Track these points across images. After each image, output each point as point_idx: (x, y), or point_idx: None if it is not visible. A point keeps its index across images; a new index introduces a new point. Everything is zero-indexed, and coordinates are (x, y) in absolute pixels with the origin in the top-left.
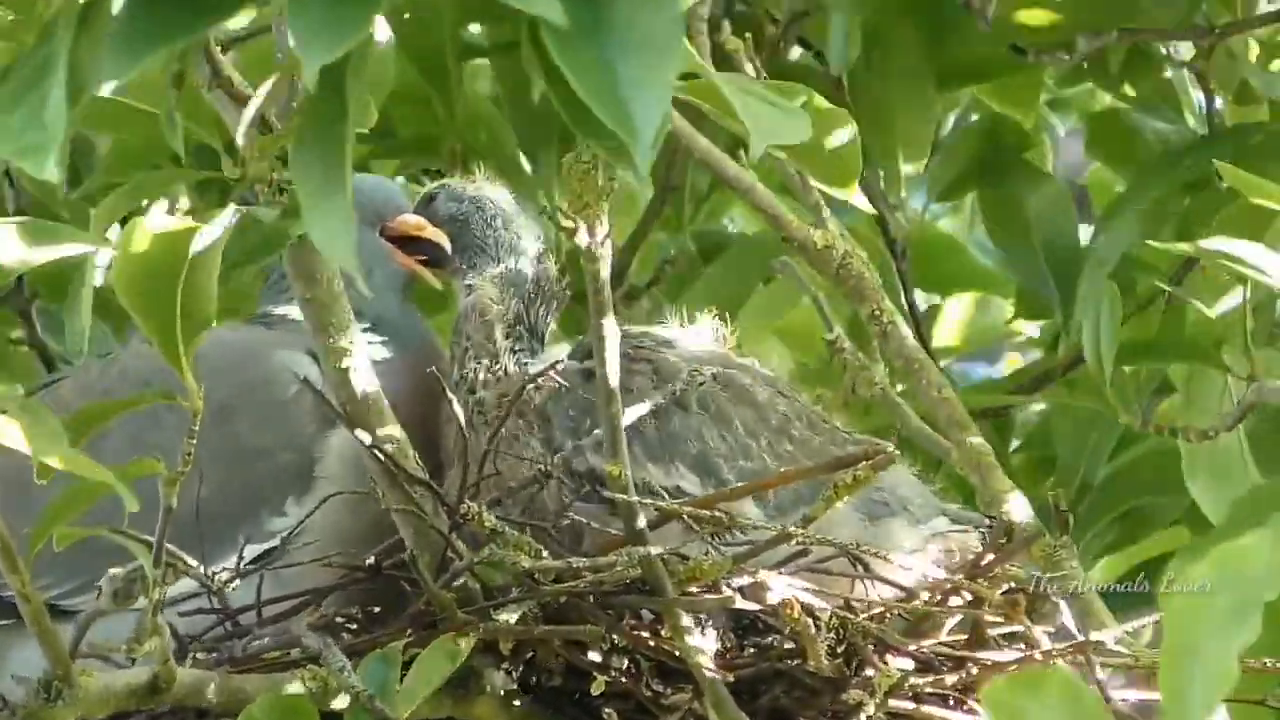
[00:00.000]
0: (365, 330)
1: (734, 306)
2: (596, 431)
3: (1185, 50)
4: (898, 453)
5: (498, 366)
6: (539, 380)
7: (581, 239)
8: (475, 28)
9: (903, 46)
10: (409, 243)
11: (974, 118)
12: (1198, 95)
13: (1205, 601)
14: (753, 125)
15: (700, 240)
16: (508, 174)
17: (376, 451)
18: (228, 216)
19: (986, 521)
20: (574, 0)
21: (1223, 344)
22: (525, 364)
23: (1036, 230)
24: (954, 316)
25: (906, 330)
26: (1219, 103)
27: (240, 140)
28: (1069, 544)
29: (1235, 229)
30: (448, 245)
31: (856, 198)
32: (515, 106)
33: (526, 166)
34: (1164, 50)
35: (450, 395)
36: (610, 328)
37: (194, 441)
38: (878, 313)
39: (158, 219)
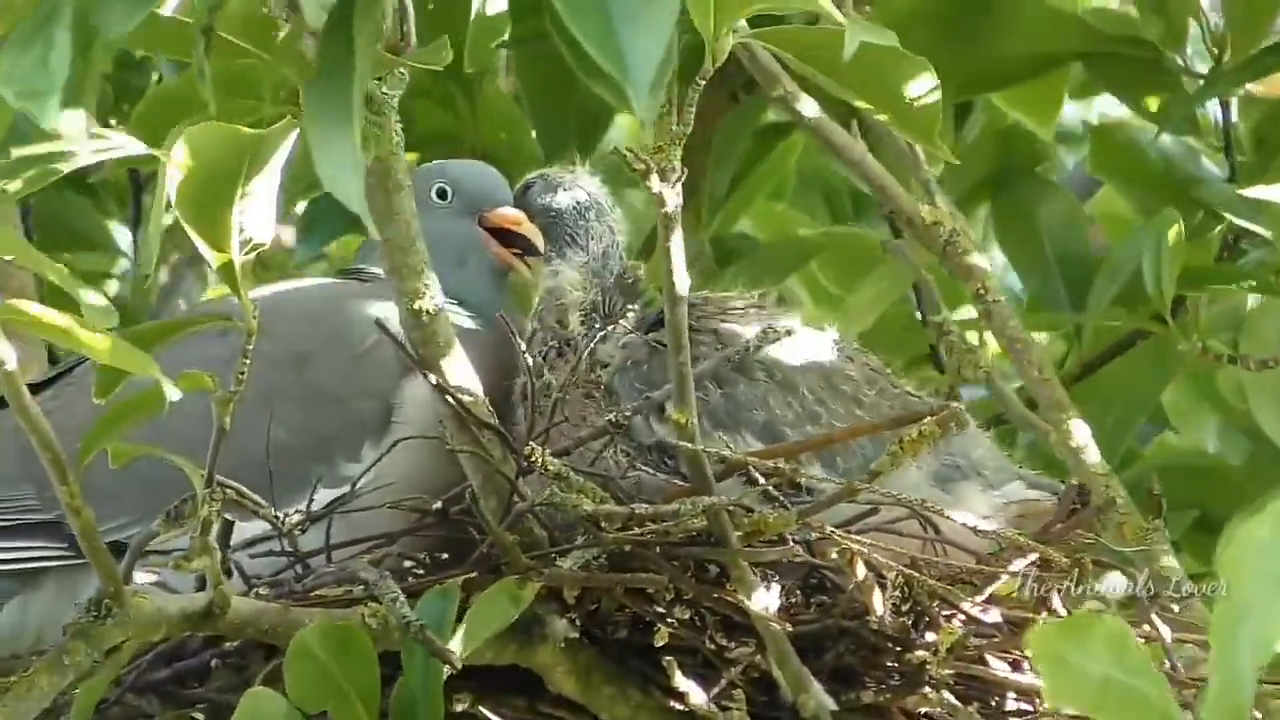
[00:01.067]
0: (454, 304)
1: None
2: (660, 392)
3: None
4: (966, 413)
5: (569, 349)
6: (604, 344)
7: (653, 183)
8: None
9: (919, 54)
10: (506, 234)
11: (978, 129)
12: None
13: (1258, 558)
14: (848, 25)
15: (717, 246)
16: (526, 170)
17: (446, 394)
18: (286, 130)
19: (1061, 488)
20: None
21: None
22: (590, 339)
23: (1048, 241)
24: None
25: (1010, 311)
26: (1234, 114)
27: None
28: (1161, 527)
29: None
30: (540, 242)
31: (942, 150)
32: (535, 104)
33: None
34: (1180, 61)
35: (522, 350)
36: (680, 273)
37: (247, 361)
38: (983, 291)
39: (218, 127)
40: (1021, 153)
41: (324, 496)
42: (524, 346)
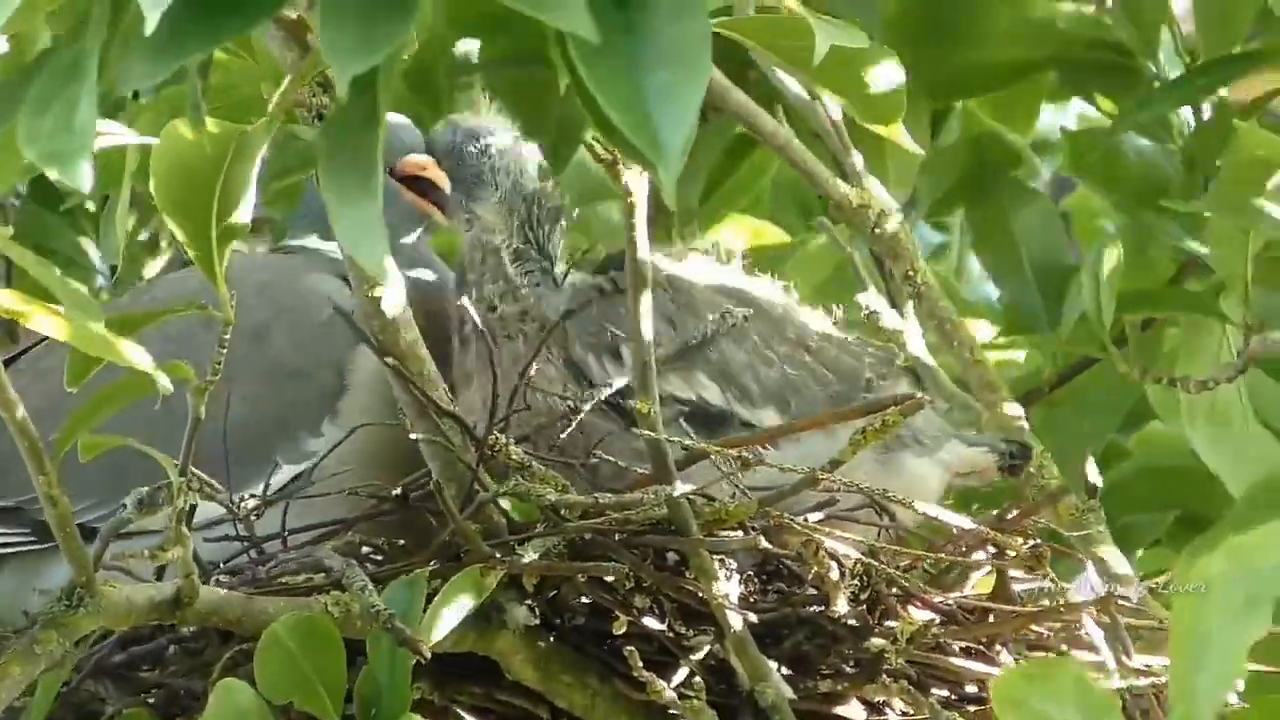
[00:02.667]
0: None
1: None
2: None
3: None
4: (927, 398)
5: (511, 288)
6: (551, 294)
7: (620, 171)
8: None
9: None
10: (419, 181)
11: (955, 135)
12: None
13: (1216, 592)
14: (816, 28)
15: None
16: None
17: (406, 382)
18: (268, 125)
19: (1002, 445)
20: (601, 12)
21: (1221, 294)
22: (539, 284)
23: (1024, 247)
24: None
25: (939, 292)
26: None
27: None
28: (1097, 507)
29: (1236, 186)
30: (446, 185)
31: (902, 135)
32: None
33: None
34: (1153, 68)
35: (473, 314)
36: (644, 265)
37: (225, 351)
38: (912, 273)
39: (197, 123)
40: (997, 158)
41: (285, 473)
42: (481, 327)
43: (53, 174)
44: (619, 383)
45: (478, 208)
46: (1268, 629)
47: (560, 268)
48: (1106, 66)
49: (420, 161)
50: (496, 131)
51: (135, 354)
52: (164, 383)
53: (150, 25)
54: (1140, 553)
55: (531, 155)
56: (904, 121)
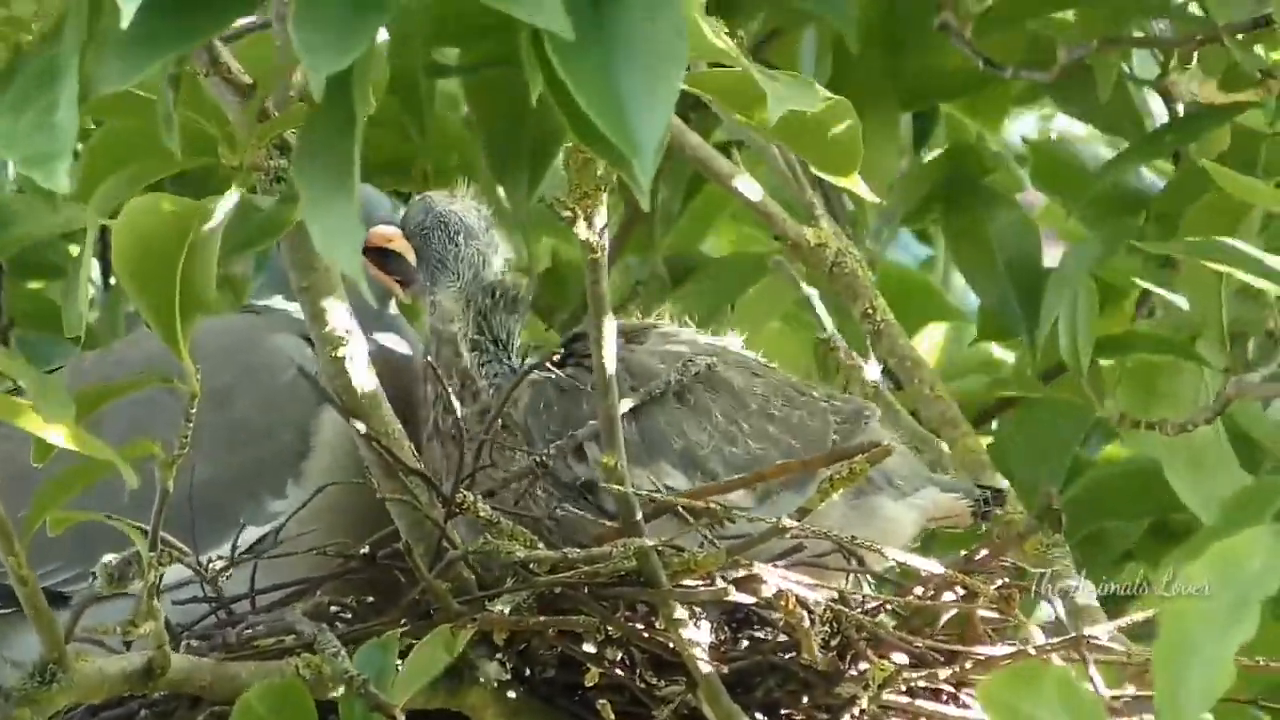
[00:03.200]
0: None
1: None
2: (578, 433)
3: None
4: (895, 445)
5: (469, 384)
6: (517, 386)
7: (580, 230)
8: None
9: (866, 69)
10: (386, 254)
11: (932, 151)
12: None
13: (1201, 599)
14: (770, 91)
15: (671, 264)
16: (477, 195)
17: (372, 441)
18: (230, 199)
19: (976, 490)
20: (577, 10)
21: (1198, 338)
22: (495, 375)
23: (1000, 252)
24: (923, 348)
25: (899, 329)
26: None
27: (238, 128)
28: (1061, 541)
29: (1205, 227)
30: (411, 258)
31: (860, 187)
32: (487, 128)
33: (499, 190)
34: (1125, 68)
35: (446, 389)
36: (608, 322)
37: (191, 425)
38: (871, 310)
39: (160, 199)
40: (971, 165)
41: (250, 535)
42: (446, 388)
43: (33, 175)
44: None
45: (439, 294)
46: (1255, 630)
47: (515, 360)
48: (1078, 70)
49: (386, 234)
50: (467, 218)
51: (98, 448)
52: (130, 477)
53: (125, 19)
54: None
55: (498, 244)
56: (878, 133)
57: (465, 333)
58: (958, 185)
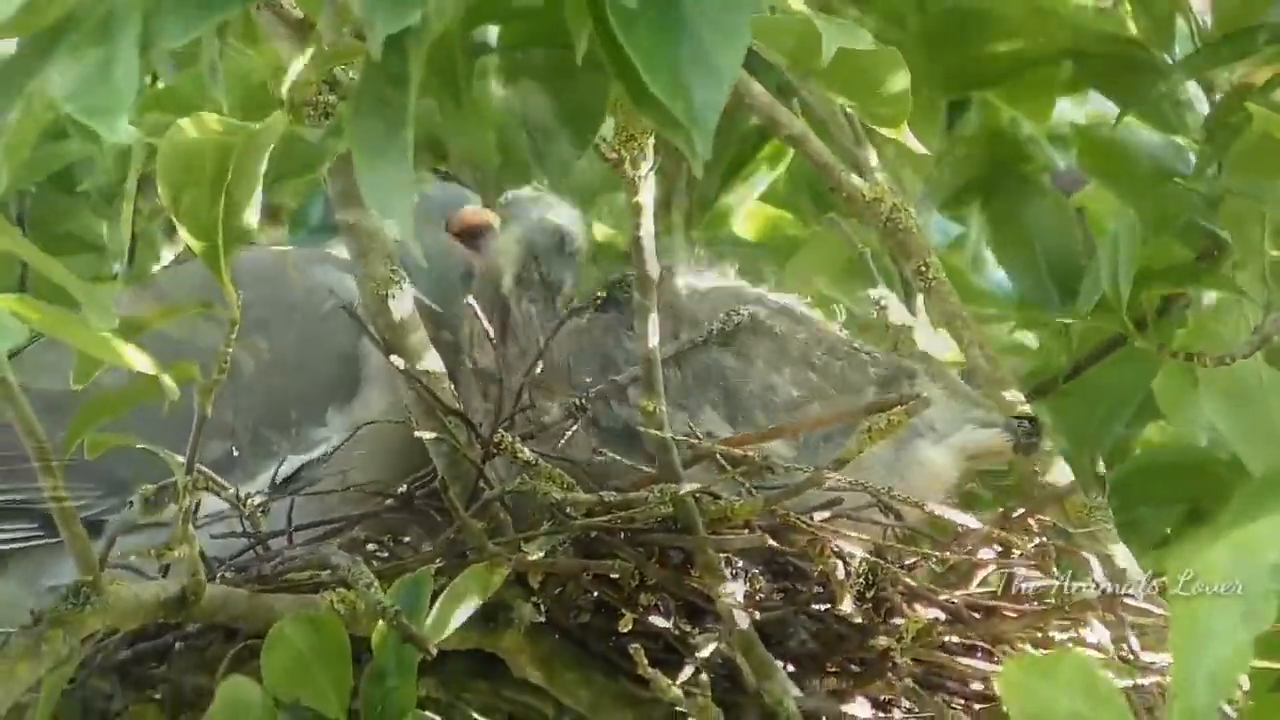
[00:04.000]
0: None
1: None
2: (618, 377)
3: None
4: (930, 398)
5: (509, 323)
6: (562, 323)
7: (626, 170)
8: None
9: (909, 54)
10: (472, 237)
11: (974, 127)
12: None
13: (1218, 587)
14: (823, 30)
15: (708, 247)
16: (516, 177)
17: (413, 379)
18: (278, 123)
19: (1014, 422)
20: None
21: (1239, 271)
22: (542, 316)
23: (1038, 241)
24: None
25: (950, 288)
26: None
27: (289, 61)
28: (1104, 505)
29: (1252, 168)
30: (496, 224)
31: (908, 137)
32: (526, 102)
33: (536, 167)
34: (1168, 59)
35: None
36: (651, 263)
37: (230, 350)
38: (924, 268)
39: (208, 118)
40: (1009, 154)
41: (291, 464)
42: (488, 329)
43: (93, 126)
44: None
45: (499, 234)
46: (1272, 620)
47: (560, 302)
48: (1122, 58)
49: (479, 211)
50: (548, 197)
51: (141, 361)
52: (171, 388)
53: None
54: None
55: (574, 217)
56: (918, 115)
57: (516, 272)
58: (996, 174)
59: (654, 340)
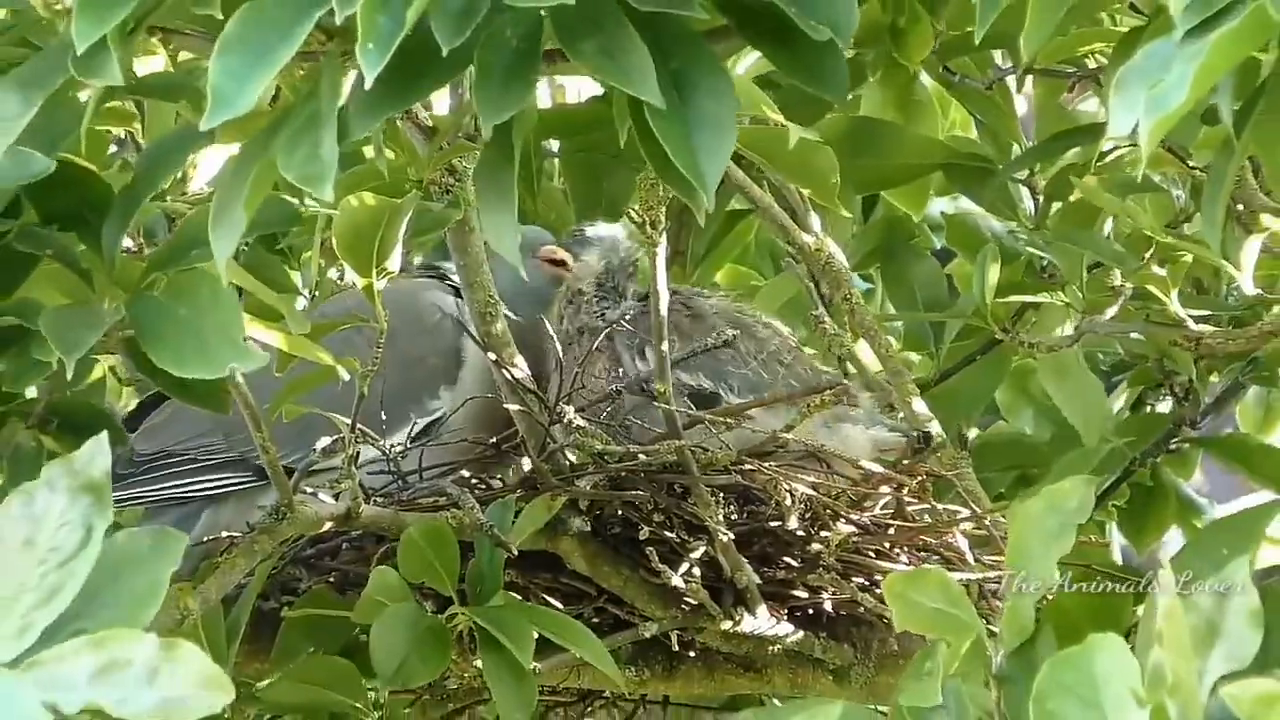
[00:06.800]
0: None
1: None
2: (642, 368)
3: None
4: (850, 385)
5: (588, 309)
6: (614, 324)
7: (646, 230)
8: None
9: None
10: (553, 264)
11: (878, 216)
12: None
13: (1037, 521)
14: (790, 128)
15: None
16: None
17: (503, 368)
18: (412, 201)
19: (914, 432)
20: (665, 90)
21: (1066, 286)
22: (605, 311)
23: (920, 293)
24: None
25: (865, 309)
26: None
27: (422, 155)
28: (967, 456)
29: (1073, 221)
30: (571, 261)
31: (838, 207)
32: (577, 195)
33: None
34: (1000, 166)
35: (564, 325)
36: (663, 290)
37: (380, 351)
38: (849, 296)
39: (367, 196)
40: (902, 234)
41: (419, 425)
42: (554, 332)
43: (309, 189)
44: (645, 369)
45: (585, 253)
46: (1071, 546)
47: (623, 305)
48: (975, 169)
49: (554, 248)
50: (614, 228)
51: (324, 355)
52: (343, 373)
53: (369, 83)
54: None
55: (631, 245)
56: (841, 205)
57: (593, 282)
58: (892, 245)
59: (665, 341)
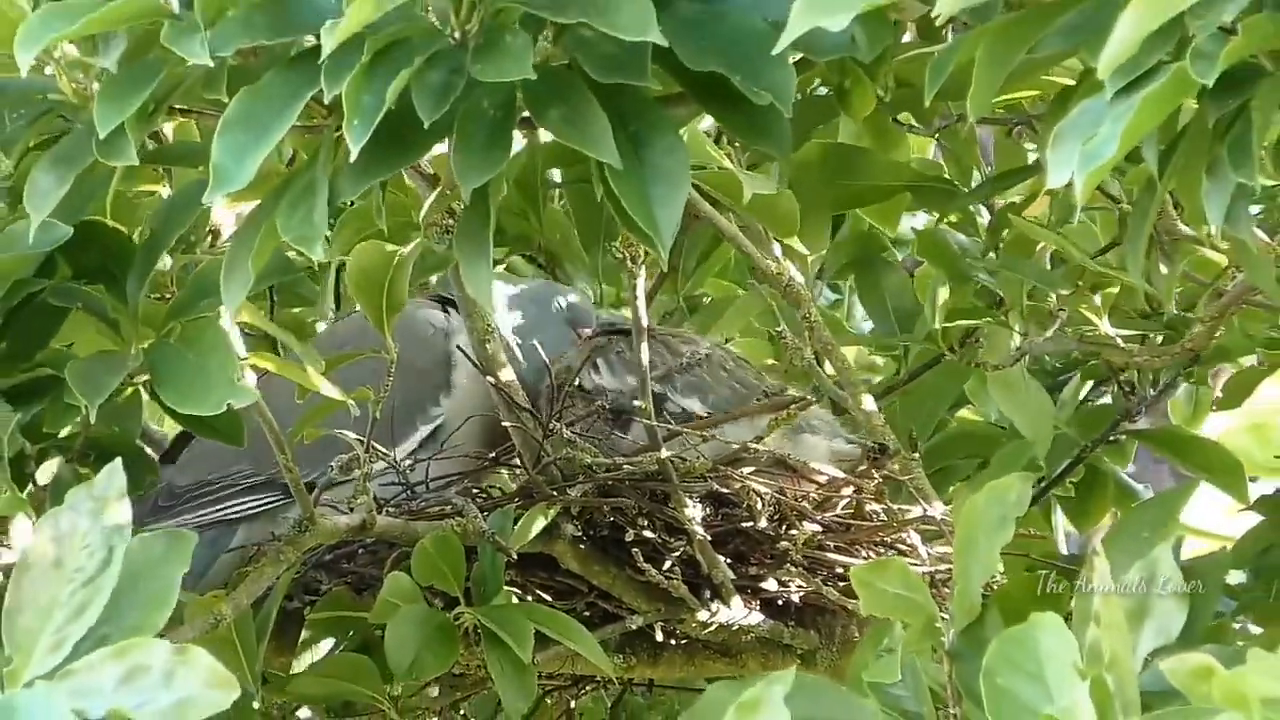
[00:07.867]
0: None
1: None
2: (624, 390)
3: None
4: (813, 401)
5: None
6: (596, 343)
7: (628, 264)
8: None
9: (809, 187)
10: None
11: (847, 232)
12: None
13: (980, 514)
14: (745, 182)
15: (687, 300)
16: (572, 260)
17: (500, 389)
18: (416, 246)
19: (870, 443)
20: (623, 150)
21: (1009, 311)
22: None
23: (889, 300)
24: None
25: (824, 326)
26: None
27: (424, 201)
28: (919, 460)
29: (1015, 252)
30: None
31: (797, 244)
32: (579, 218)
33: (584, 255)
34: (965, 190)
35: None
36: (643, 321)
37: (391, 379)
38: (808, 314)
39: (375, 244)
40: (874, 246)
41: (422, 430)
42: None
43: (303, 249)
44: (614, 383)
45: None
46: (1010, 536)
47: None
48: (940, 191)
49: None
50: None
51: (333, 390)
52: (353, 406)
53: (354, 156)
54: (953, 487)
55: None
56: (812, 225)
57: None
58: (865, 258)
59: (646, 365)
